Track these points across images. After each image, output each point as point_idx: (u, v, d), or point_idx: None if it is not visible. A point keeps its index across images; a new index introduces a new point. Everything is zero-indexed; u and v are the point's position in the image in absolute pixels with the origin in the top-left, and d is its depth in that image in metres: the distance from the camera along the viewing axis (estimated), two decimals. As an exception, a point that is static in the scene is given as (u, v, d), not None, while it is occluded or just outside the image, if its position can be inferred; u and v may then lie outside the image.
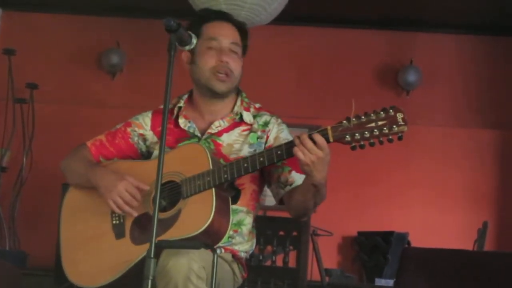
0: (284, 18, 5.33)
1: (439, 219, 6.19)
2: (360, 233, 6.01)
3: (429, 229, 6.09)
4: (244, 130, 2.96)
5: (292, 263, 4.57)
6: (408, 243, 5.77)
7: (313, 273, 5.50)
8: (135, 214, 2.79)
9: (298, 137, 2.60)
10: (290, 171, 2.85)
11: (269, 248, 4.91)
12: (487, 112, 6.37)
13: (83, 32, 6.60)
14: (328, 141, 2.58)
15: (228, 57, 2.93)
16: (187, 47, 2.72)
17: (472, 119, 6.39)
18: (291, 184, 2.85)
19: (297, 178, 2.83)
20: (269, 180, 2.94)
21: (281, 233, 4.85)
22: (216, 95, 2.97)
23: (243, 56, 3.04)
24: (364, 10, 6.26)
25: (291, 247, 4.84)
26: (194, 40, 2.72)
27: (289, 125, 3.06)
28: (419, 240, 5.66)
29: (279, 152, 2.66)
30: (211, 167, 2.71)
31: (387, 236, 5.76)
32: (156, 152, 3.00)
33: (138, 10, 6.45)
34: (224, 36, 2.96)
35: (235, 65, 2.95)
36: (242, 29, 3.05)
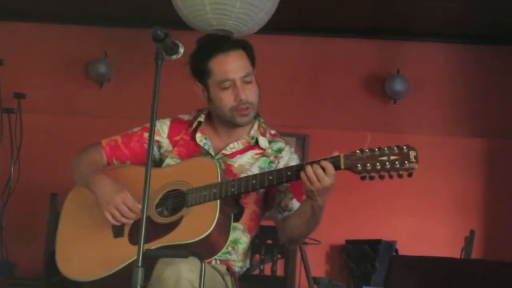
0: (271, 27, 5.33)
1: (426, 227, 6.20)
2: (348, 242, 6.02)
3: (417, 237, 6.10)
4: (257, 154, 2.97)
5: (280, 272, 4.58)
6: (396, 251, 5.78)
7: (301, 282, 5.49)
8: (131, 222, 2.77)
9: (310, 164, 2.61)
10: (291, 198, 2.87)
11: (257, 256, 4.91)
12: (474, 121, 6.38)
13: (70, 41, 6.59)
14: (338, 167, 2.62)
15: (245, 92, 2.91)
16: (174, 56, 2.72)
17: (460, 128, 6.40)
18: (290, 210, 2.86)
19: (296, 206, 2.85)
20: (271, 203, 2.94)
21: (269, 241, 4.85)
22: (238, 126, 2.97)
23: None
24: (351, 19, 6.27)
25: (279, 256, 4.84)
26: (181, 50, 2.73)
27: (276, 134, 3.06)
28: (406, 248, 5.67)
29: (288, 173, 2.67)
30: (219, 180, 2.72)
31: (374, 244, 5.77)
32: (168, 161, 2.97)
33: (125, 20, 6.45)
34: (234, 72, 2.92)
35: (252, 95, 2.94)
36: (246, 47, 3.02)
